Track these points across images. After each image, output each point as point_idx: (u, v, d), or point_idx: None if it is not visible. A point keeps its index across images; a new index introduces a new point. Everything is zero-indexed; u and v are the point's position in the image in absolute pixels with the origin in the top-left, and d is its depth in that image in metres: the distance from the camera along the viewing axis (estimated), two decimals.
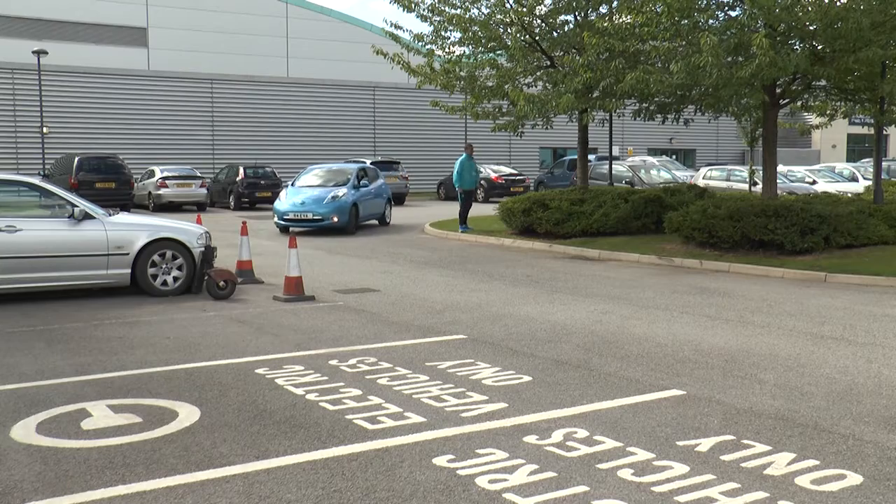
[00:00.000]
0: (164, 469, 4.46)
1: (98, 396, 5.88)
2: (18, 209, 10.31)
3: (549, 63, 17.71)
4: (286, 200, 19.37)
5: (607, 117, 19.51)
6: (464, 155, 19.36)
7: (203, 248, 10.65)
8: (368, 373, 6.54)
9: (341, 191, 19.38)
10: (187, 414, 5.45)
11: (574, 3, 16.68)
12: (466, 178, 19.30)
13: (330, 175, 20.67)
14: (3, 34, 38.27)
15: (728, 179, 25.89)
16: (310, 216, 18.89)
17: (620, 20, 15.25)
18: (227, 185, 30.08)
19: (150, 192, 28.55)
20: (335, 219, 18.93)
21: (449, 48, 18.03)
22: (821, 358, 7.04)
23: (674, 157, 44.35)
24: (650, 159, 34.00)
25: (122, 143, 35.22)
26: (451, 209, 28.22)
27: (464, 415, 5.42)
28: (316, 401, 5.75)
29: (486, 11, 17.09)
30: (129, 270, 10.27)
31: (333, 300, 10.17)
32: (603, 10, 17.09)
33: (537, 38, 17.57)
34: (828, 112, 18.18)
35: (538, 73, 17.96)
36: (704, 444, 4.81)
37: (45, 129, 32.38)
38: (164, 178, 28.24)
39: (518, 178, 33.41)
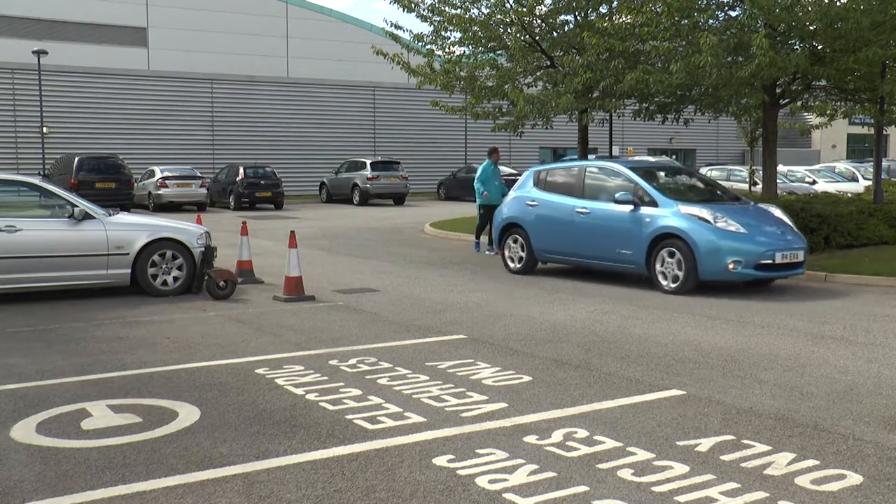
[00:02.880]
0: (164, 469, 4.46)
1: (98, 396, 5.88)
2: (18, 209, 10.31)
3: (549, 63, 17.72)
4: (728, 228, 10.45)
5: (607, 117, 19.52)
6: (486, 161, 15.59)
7: (203, 248, 10.65)
8: (368, 373, 6.54)
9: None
10: (187, 414, 5.45)
11: (574, 3, 16.68)
12: (490, 188, 15.28)
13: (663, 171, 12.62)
14: (3, 34, 38.26)
15: (728, 179, 25.93)
16: (800, 256, 10.76)
17: (620, 20, 15.26)
18: (227, 185, 30.09)
19: (150, 192, 28.57)
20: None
21: (449, 48, 18.01)
22: (821, 358, 7.04)
23: (674, 157, 44.34)
24: (650, 159, 33.97)
25: (122, 143, 35.22)
26: (451, 209, 28.26)
27: (464, 415, 5.41)
28: (316, 401, 5.75)
29: (486, 11, 17.08)
30: (129, 270, 10.27)
31: (333, 300, 10.17)
32: (603, 10, 17.09)
33: (537, 38, 17.57)
34: (828, 112, 18.18)
35: (538, 73, 17.96)
36: (704, 444, 4.81)
37: (45, 129, 32.38)
38: (164, 178, 28.26)
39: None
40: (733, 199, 11.88)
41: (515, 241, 12.75)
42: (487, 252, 15.03)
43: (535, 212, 12.47)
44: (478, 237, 15.62)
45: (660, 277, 10.75)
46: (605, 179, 11.87)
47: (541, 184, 12.70)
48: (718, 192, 12.14)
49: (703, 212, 10.65)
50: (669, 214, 10.72)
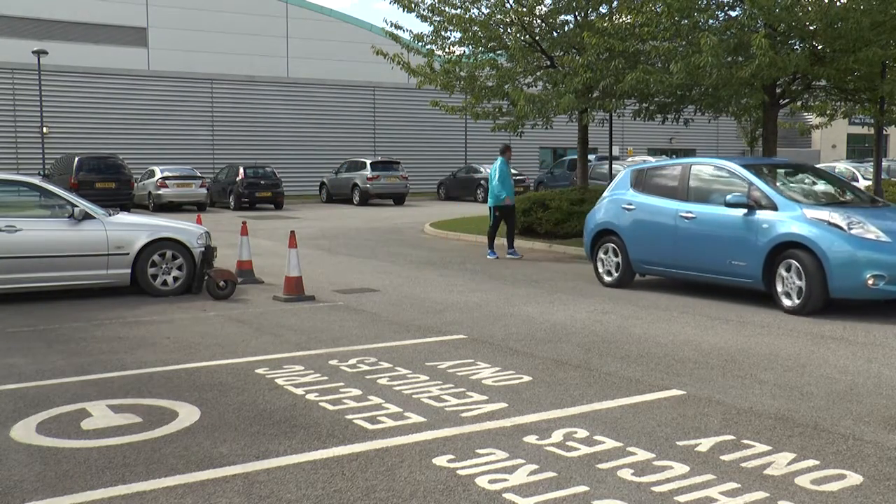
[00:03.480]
0: (164, 469, 4.46)
1: (98, 396, 5.88)
2: (18, 209, 10.32)
3: (549, 63, 17.71)
4: (865, 236, 8.77)
5: (607, 117, 19.50)
6: (499, 159, 14.84)
7: (203, 248, 10.65)
8: (368, 373, 6.54)
9: None
10: (187, 414, 5.45)
11: (574, 3, 16.67)
12: (505, 187, 14.62)
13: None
14: (3, 34, 38.27)
15: None
16: None
17: (620, 20, 15.25)
18: (227, 185, 30.12)
19: (150, 192, 28.60)
20: None
21: (449, 48, 18.01)
22: (821, 358, 7.04)
23: (674, 157, 44.36)
24: (650, 159, 34.01)
25: (122, 143, 35.23)
26: (451, 209, 28.26)
27: (464, 415, 5.41)
28: (316, 401, 5.75)
29: (486, 11, 17.08)
30: (129, 270, 10.28)
31: (333, 300, 10.17)
32: (603, 10, 17.08)
33: (537, 38, 17.57)
34: (828, 112, 18.17)
35: (538, 73, 17.95)
36: (704, 444, 4.81)
37: (45, 129, 32.39)
38: (164, 178, 28.29)
39: (518, 178, 33.38)
40: (868, 201, 10.32)
41: (608, 251, 11.28)
42: (489, 256, 14.67)
43: (632, 216, 10.97)
44: (491, 244, 14.80)
45: (781, 295, 9.20)
46: (714, 179, 10.39)
47: (639, 185, 11.16)
48: (848, 193, 10.49)
49: (833, 216, 8.97)
50: (792, 219, 9.11)
